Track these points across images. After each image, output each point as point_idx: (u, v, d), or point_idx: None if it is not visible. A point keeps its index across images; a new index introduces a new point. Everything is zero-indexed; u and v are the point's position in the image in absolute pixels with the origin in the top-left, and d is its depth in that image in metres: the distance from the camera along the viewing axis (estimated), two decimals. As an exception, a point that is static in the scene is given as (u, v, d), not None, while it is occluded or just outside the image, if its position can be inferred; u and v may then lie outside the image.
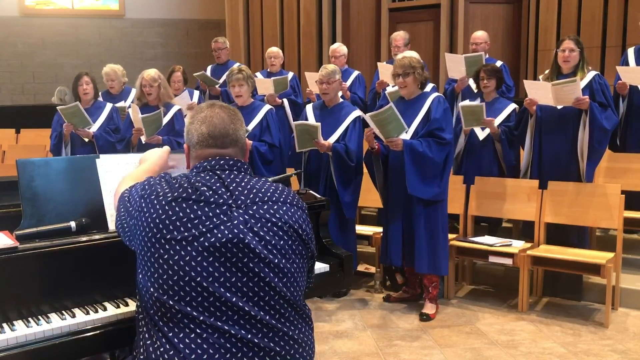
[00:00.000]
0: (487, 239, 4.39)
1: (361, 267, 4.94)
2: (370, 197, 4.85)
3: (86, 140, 4.99)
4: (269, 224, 1.60)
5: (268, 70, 6.54)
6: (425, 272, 4.06)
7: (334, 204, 4.24)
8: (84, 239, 2.08)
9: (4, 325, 1.89)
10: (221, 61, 6.62)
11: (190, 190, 1.59)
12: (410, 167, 3.90)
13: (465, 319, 4.09)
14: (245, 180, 1.67)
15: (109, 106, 5.20)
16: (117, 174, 2.23)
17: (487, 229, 4.90)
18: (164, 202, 1.56)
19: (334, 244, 2.86)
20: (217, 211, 1.57)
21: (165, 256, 1.51)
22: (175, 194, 1.58)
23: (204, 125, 1.71)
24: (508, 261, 4.18)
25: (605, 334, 3.80)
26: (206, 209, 1.56)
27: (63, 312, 1.99)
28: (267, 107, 4.69)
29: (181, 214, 1.54)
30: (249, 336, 1.51)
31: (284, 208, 1.65)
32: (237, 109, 1.79)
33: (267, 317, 1.54)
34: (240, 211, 1.59)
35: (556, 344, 3.66)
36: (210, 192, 1.59)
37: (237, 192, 1.62)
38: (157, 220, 1.54)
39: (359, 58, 8.10)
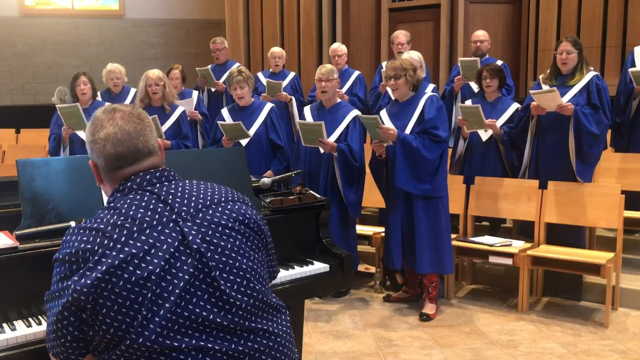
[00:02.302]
0: (487, 239, 4.39)
1: (361, 267, 4.94)
2: (370, 197, 4.85)
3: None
4: (220, 228, 1.51)
5: (270, 70, 6.54)
6: (428, 271, 4.05)
7: (336, 203, 4.25)
8: (84, 239, 2.08)
9: (4, 325, 1.89)
10: (220, 61, 6.61)
11: (128, 225, 1.41)
12: (402, 160, 3.91)
13: (465, 319, 4.09)
14: (180, 188, 1.54)
15: (107, 106, 5.20)
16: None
17: (487, 229, 4.91)
18: (107, 252, 1.39)
19: (334, 244, 2.85)
20: (166, 231, 1.44)
21: (139, 299, 1.38)
22: (115, 236, 1.40)
23: (108, 144, 1.52)
24: (508, 261, 4.18)
25: (605, 334, 3.80)
26: (154, 234, 1.42)
27: (63, 312, 1.98)
28: (269, 105, 4.72)
29: (134, 251, 1.39)
30: (233, 346, 1.47)
31: (229, 206, 1.56)
32: (143, 114, 1.61)
33: (246, 323, 1.50)
34: (188, 223, 1.47)
35: (556, 344, 3.66)
36: (150, 213, 1.45)
37: (177, 205, 1.49)
38: (112, 270, 1.37)
39: (359, 58, 8.10)
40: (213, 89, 6.46)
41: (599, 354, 3.51)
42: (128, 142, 1.53)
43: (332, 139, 4.32)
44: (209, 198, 1.55)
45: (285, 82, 6.21)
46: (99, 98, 5.43)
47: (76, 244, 1.42)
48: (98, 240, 1.41)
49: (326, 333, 3.87)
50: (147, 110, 4.65)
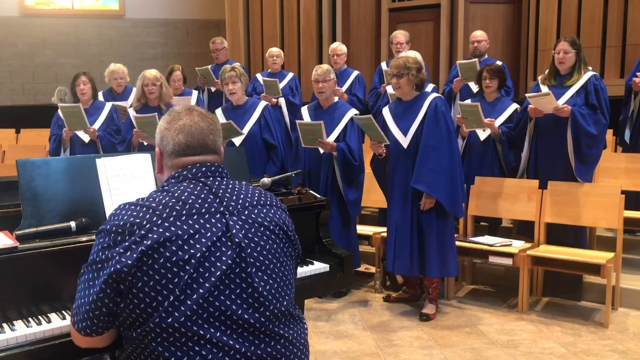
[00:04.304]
0: (487, 239, 4.39)
1: (361, 267, 4.94)
2: (370, 197, 4.85)
3: (86, 141, 4.99)
4: (262, 229, 1.58)
5: (269, 70, 6.55)
6: (436, 276, 4.05)
7: (336, 202, 4.25)
8: (84, 239, 2.08)
9: (4, 325, 1.89)
10: (220, 61, 6.60)
11: (178, 207, 1.50)
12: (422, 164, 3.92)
13: (465, 319, 4.09)
14: (230, 185, 1.63)
15: (108, 106, 5.19)
16: (117, 174, 2.24)
17: (487, 229, 4.90)
18: (155, 228, 1.46)
19: (334, 244, 2.86)
20: (213, 220, 1.51)
21: (175, 280, 1.43)
22: (164, 215, 1.48)
23: (181, 134, 1.62)
24: (508, 261, 4.18)
25: (605, 334, 3.80)
26: (201, 221, 1.50)
27: (63, 312, 1.99)
28: (263, 103, 4.71)
29: (179, 232, 1.46)
30: (252, 348, 1.49)
31: (272, 211, 1.64)
32: (215, 117, 1.72)
33: (270, 326, 1.53)
34: (234, 218, 1.54)
35: (556, 344, 3.66)
36: (200, 202, 1.53)
37: (226, 199, 1.57)
38: (156, 246, 1.44)
39: (358, 58, 8.10)
40: (213, 89, 6.47)
41: (599, 354, 3.51)
42: (199, 136, 1.63)
43: (331, 138, 4.32)
44: (255, 198, 1.64)
45: (283, 83, 6.21)
46: (100, 98, 5.42)
47: (125, 217, 1.49)
48: (147, 216, 1.48)
49: (326, 333, 3.87)
50: (143, 110, 4.67)
